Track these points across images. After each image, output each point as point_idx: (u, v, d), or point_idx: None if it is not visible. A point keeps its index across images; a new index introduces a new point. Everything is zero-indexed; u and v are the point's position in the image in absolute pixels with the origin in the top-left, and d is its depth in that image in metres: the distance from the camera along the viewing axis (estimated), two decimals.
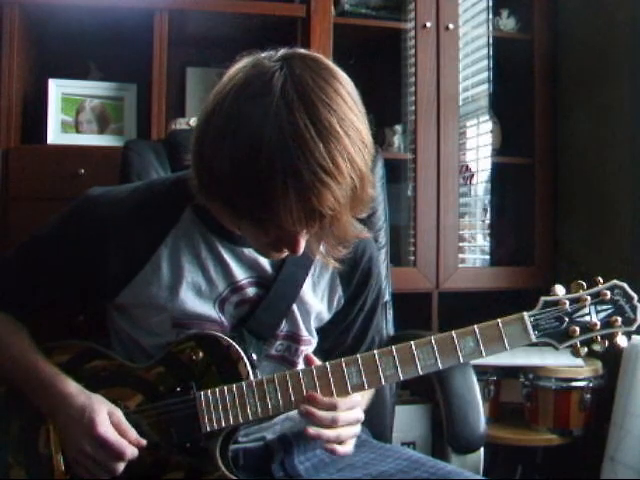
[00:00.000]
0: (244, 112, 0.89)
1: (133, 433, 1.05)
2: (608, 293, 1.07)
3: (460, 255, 2.24)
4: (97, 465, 1.03)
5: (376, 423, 1.46)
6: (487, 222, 2.42)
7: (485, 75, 2.33)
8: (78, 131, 2.09)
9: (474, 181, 2.41)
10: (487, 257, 2.39)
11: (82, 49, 2.18)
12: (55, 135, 2.06)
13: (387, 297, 1.58)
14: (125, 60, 2.17)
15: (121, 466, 1.03)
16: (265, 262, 1.14)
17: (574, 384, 1.97)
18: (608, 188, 2.12)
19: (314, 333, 1.20)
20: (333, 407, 1.03)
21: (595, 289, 1.08)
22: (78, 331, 1.23)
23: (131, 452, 1.03)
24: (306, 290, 1.17)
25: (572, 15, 2.27)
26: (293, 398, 1.05)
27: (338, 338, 1.24)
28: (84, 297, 1.18)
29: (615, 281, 1.09)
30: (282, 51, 0.95)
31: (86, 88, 2.12)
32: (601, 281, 1.09)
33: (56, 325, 1.23)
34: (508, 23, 2.33)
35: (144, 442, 1.05)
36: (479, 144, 2.39)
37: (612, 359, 1.98)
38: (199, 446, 1.06)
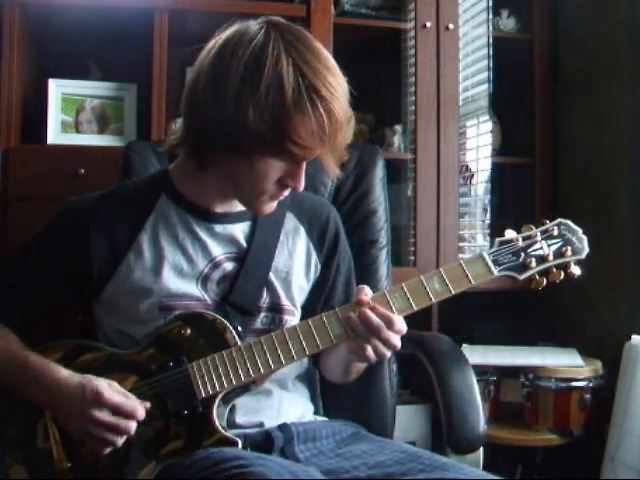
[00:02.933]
0: (258, 59, 1.06)
1: (135, 398, 1.09)
2: (555, 229, 1.17)
3: (460, 255, 2.24)
4: (110, 431, 1.05)
5: (377, 422, 1.46)
6: (487, 222, 2.41)
7: (485, 75, 2.33)
8: (78, 131, 2.10)
9: (474, 181, 2.41)
10: None
11: (82, 49, 2.18)
12: (55, 135, 2.06)
13: None
14: (125, 60, 2.17)
15: (134, 426, 1.06)
16: (239, 236, 1.23)
17: (574, 384, 1.96)
18: (608, 188, 2.12)
19: (297, 304, 1.26)
20: (386, 316, 1.09)
21: (543, 227, 1.17)
22: (76, 331, 1.23)
23: (141, 411, 1.07)
24: (283, 259, 1.25)
25: (572, 15, 2.27)
26: (281, 354, 1.11)
27: (323, 310, 1.27)
28: (79, 297, 1.22)
29: (560, 219, 1.18)
30: (259, 19, 1.15)
31: (86, 88, 2.12)
32: (548, 222, 1.18)
33: (55, 325, 1.24)
34: (508, 23, 2.33)
35: (148, 404, 1.09)
36: (479, 144, 2.38)
37: (612, 359, 1.98)
38: (197, 412, 1.10)
